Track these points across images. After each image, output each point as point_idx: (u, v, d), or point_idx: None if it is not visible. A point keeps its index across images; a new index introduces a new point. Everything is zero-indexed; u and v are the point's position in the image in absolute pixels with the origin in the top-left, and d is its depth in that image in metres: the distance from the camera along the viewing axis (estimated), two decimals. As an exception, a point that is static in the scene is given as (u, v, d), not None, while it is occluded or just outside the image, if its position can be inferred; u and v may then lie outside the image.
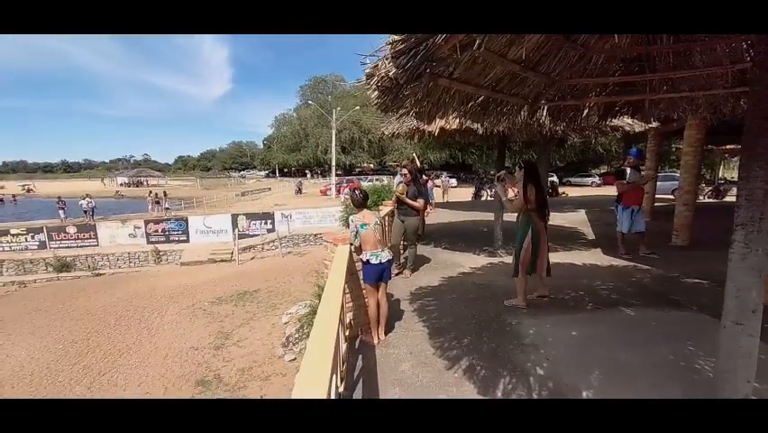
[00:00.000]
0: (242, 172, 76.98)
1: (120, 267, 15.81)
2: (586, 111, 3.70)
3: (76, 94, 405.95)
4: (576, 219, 9.97)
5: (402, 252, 5.29)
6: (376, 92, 2.08)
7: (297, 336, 8.12)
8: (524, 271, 3.81)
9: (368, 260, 3.23)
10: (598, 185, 29.97)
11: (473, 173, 33.56)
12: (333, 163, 29.28)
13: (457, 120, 4.23)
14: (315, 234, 17.23)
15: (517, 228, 3.87)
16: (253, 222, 17.98)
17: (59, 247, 16.07)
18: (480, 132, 5.05)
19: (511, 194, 4.06)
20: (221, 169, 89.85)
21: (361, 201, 3.41)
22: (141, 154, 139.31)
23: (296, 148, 55.55)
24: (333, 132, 28.61)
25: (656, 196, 10.14)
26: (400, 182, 5.00)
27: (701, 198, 8.37)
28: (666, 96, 3.33)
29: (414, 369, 2.93)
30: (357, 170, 54.83)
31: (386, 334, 3.47)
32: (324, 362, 1.24)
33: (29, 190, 53.57)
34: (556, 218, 9.82)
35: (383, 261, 3.31)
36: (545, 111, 3.63)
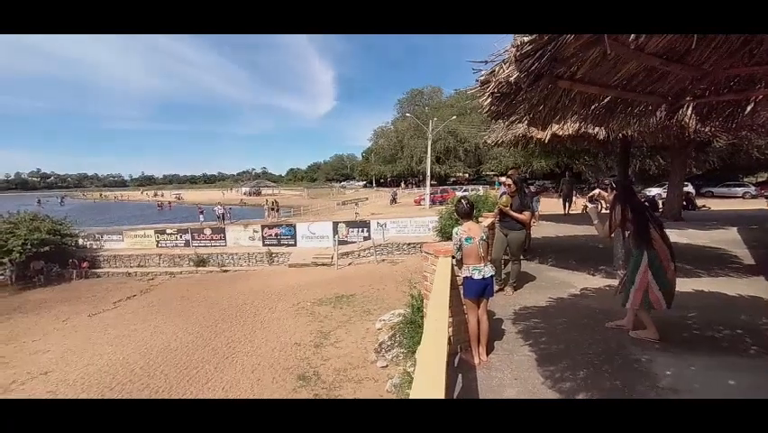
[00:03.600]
0: (342, 183, 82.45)
1: (241, 265, 18.20)
2: (750, 107, 2.98)
3: (211, 117, 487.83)
4: (724, 238, 8.13)
5: (503, 267, 4.97)
6: (489, 99, 1.98)
7: (389, 343, 8.22)
8: (639, 304, 3.23)
9: (471, 275, 3.09)
10: (753, 196, 24.10)
11: (583, 182, 30.13)
12: (428, 173, 29.34)
13: (576, 124, 3.82)
14: (409, 244, 17.44)
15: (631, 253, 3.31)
16: (351, 229, 19.04)
17: (198, 246, 19.28)
18: (601, 137, 4.48)
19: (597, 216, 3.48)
20: (324, 180, 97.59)
21: (467, 212, 3.25)
22: (261, 167, 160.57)
23: (392, 159, 57.42)
24: (429, 142, 28.74)
25: None
26: (504, 193, 4.71)
27: None
28: None
29: (520, 398, 2.68)
30: (452, 179, 54.14)
31: (487, 354, 3.26)
32: (438, 384, 1.19)
33: (179, 198, 65.60)
34: (697, 237, 8.18)
35: (486, 276, 3.12)
36: (690, 110, 3.04)
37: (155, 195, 75.19)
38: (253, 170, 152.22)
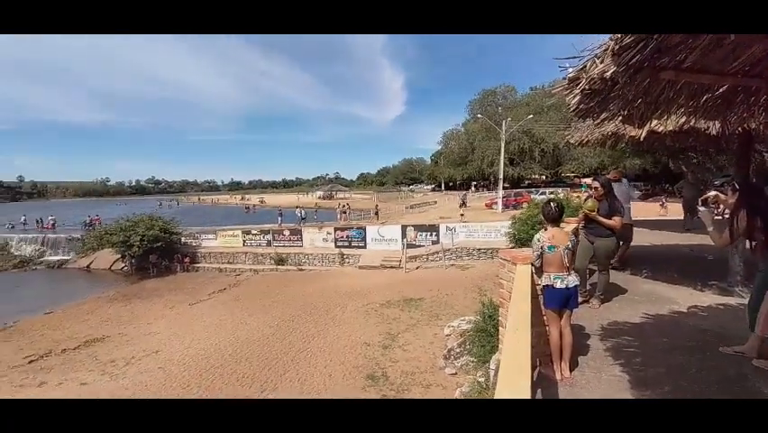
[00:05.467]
0: (410, 186, 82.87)
1: (315, 265, 19.27)
2: None
3: (290, 126, 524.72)
4: None
5: (588, 277, 4.56)
6: (578, 97, 1.83)
7: (458, 350, 8.04)
8: None
9: (552, 283, 2.89)
10: None
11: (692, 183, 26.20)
12: (501, 176, 28.10)
13: (680, 119, 3.36)
14: (479, 249, 16.89)
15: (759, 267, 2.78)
16: (420, 233, 19.02)
17: (278, 246, 20.85)
18: (713, 132, 3.88)
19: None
20: (393, 183, 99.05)
21: (555, 216, 3.00)
22: (334, 172, 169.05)
23: (462, 162, 56.20)
24: (502, 143, 27.53)
25: None
26: (589, 197, 4.32)
27: None
28: None
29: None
30: (526, 182, 51.24)
31: (570, 370, 3.01)
32: (524, 384, 1.15)
33: (262, 202, 71.54)
34: None
35: (570, 286, 2.90)
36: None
37: (242, 199, 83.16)
38: (327, 175, 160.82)
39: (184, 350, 10.05)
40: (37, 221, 31.44)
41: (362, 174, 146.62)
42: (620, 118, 2.37)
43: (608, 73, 1.46)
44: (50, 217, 31.79)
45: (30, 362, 10.02)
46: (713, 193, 3.03)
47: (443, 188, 65.75)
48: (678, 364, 3.04)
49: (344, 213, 28.06)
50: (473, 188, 54.02)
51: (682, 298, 4.51)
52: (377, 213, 28.71)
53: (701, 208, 2.97)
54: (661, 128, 4.05)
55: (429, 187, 75.52)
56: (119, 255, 21.22)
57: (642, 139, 4.49)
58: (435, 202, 38.78)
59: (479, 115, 43.74)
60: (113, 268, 21.91)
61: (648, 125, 3.76)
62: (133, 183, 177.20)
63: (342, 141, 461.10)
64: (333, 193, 75.89)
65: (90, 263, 22.70)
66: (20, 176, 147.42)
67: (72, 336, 11.76)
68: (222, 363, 9.07)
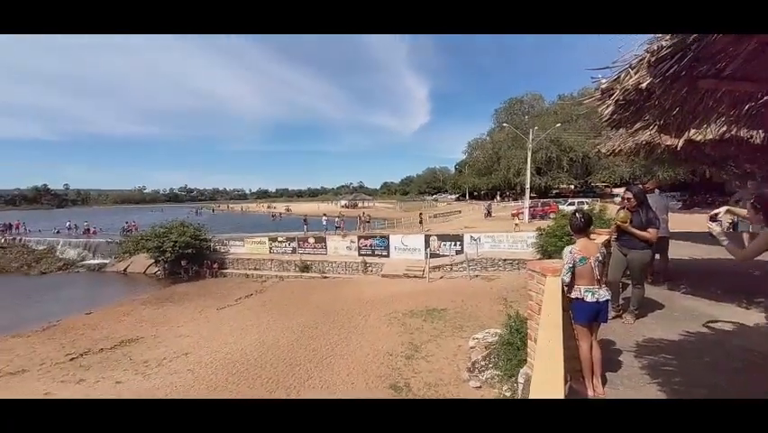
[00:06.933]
0: (434, 196, 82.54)
1: (339, 273, 19.42)
2: None
3: (316, 137, 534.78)
4: None
5: (621, 291, 4.39)
6: (611, 107, 1.81)
7: (483, 363, 7.87)
8: None
9: (582, 296, 2.81)
10: None
11: (727, 195, 24.81)
12: (528, 185, 27.51)
13: (723, 127, 3.23)
14: (505, 259, 16.56)
15: None
16: (443, 243, 18.85)
17: (303, 253, 21.20)
18: (758, 141, 3.70)
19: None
20: (417, 193, 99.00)
21: (582, 227, 2.95)
22: (358, 181, 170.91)
23: (487, 171, 55.54)
24: (529, 153, 27.00)
25: None
26: (622, 208, 4.18)
27: None
28: None
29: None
30: (554, 191, 49.92)
31: (602, 386, 2.90)
32: (557, 384, 1.14)
33: (288, 210, 73.15)
34: None
35: (601, 299, 2.81)
36: None
37: (269, 207, 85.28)
38: (351, 184, 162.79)
39: (212, 353, 10.33)
40: (76, 226, 33.65)
41: (386, 183, 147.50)
42: (655, 127, 2.30)
43: (644, 84, 1.43)
44: (84, 223, 33.88)
45: (71, 359, 10.59)
46: (723, 208, 2.84)
47: (467, 197, 65.10)
48: (721, 386, 2.87)
49: (367, 222, 28.28)
50: (498, 198, 53.14)
51: (726, 315, 4.26)
52: (421, 221, 28.35)
53: (711, 224, 2.74)
54: (699, 137, 3.89)
55: (453, 196, 75.00)
56: (153, 260, 22.18)
57: (679, 148, 4.32)
58: (460, 212, 38.41)
59: (504, 124, 43.21)
60: (147, 272, 22.93)
61: (686, 135, 3.62)
62: (167, 191, 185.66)
63: (366, 150, 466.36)
64: (357, 202, 76.55)
65: (127, 267, 23.83)
66: (66, 184, 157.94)
67: (109, 336, 12.35)
68: (247, 367, 9.25)
